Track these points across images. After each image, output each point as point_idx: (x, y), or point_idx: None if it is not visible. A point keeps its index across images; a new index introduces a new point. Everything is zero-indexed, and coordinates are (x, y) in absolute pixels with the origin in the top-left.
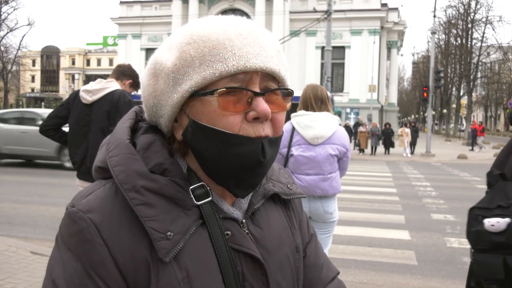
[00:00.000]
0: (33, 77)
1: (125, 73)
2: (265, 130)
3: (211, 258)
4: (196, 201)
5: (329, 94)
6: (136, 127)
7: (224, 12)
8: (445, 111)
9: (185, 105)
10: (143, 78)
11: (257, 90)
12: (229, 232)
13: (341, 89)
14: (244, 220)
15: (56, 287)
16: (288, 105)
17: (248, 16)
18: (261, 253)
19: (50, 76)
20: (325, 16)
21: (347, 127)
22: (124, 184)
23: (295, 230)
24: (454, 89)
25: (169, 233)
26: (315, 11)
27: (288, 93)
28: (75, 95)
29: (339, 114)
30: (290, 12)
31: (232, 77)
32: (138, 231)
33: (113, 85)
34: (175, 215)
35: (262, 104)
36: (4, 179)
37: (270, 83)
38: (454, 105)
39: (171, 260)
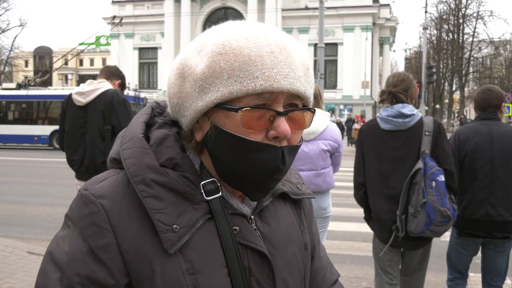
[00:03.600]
0: (26, 78)
1: (114, 73)
2: (282, 144)
3: (217, 252)
4: (206, 196)
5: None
6: (152, 122)
7: (216, 10)
8: (438, 106)
9: (209, 112)
10: (170, 74)
11: (280, 109)
12: (237, 228)
13: (334, 86)
14: (252, 216)
15: (54, 259)
16: (308, 123)
17: (240, 14)
18: (268, 249)
19: (43, 77)
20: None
21: (338, 124)
22: (135, 176)
23: (304, 228)
24: (446, 84)
25: (175, 226)
26: (306, 8)
27: (310, 111)
28: (68, 98)
29: (332, 110)
30: (282, 10)
31: (258, 95)
32: (146, 221)
33: (105, 85)
34: (183, 209)
35: (283, 125)
36: (1, 180)
37: (295, 101)
38: (446, 100)
39: (176, 252)
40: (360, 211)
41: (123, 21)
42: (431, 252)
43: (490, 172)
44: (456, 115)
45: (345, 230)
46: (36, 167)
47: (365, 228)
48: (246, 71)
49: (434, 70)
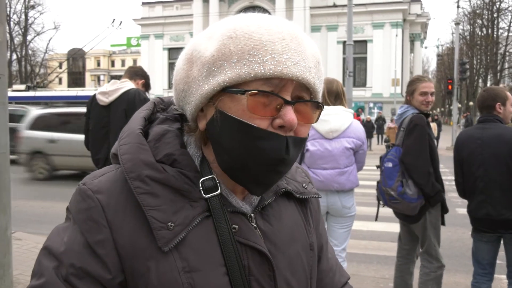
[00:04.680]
0: (60, 79)
1: (138, 73)
2: (288, 134)
3: (215, 251)
4: (205, 194)
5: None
6: (154, 118)
7: (245, 9)
8: (471, 103)
9: (214, 97)
10: (178, 61)
11: (288, 98)
12: (236, 226)
13: (363, 84)
14: (252, 215)
15: (51, 249)
16: (316, 118)
17: (268, 13)
18: (270, 248)
19: (76, 78)
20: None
21: (368, 122)
22: (130, 172)
23: (310, 228)
24: (480, 80)
25: (170, 223)
26: (335, 5)
27: (318, 107)
28: (92, 98)
29: (362, 109)
30: (311, 8)
31: (267, 80)
32: (142, 218)
33: (128, 85)
34: (180, 206)
35: (290, 114)
36: (33, 179)
37: (303, 93)
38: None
39: (171, 249)
40: (387, 211)
41: (152, 22)
42: (461, 253)
43: (484, 175)
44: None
45: (372, 230)
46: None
47: (392, 228)
48: (255, 55)
49: (467, 66)
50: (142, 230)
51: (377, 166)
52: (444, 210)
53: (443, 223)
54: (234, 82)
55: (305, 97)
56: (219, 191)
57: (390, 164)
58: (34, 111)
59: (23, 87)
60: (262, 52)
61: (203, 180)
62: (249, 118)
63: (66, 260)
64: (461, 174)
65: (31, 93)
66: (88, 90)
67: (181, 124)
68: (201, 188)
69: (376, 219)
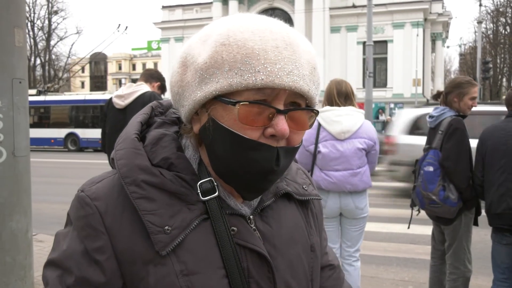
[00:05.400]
0: (82, 83)
1: (153, 76)
2: (280, 144)
3: (214, 253)
4: (202, 196)
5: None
6: (151, 121)
7: (264, 11)
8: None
9: (207, 104)
10: (174, 63)
11: (281, 107)
12: (235, 228)
13: (384, 84)
14: (251, 216)
15: (54, 258)
16: (310, 124)
17: (288, 14)
18: (269, 250)
19: (98, 82)
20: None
21: (388, 123)
22: (126, 177)
23: (311, 229)
24: (504, 79)
25: (167, 227)
26: (354, 6)
27: (313, 113)
28: (109, 102)
29: (382, 109)
30: (330, 9)
31: (259, 90)
32: (139, 222)
33: (143, 88)
34: (177, 210)
35: (282, 124)
36: (55, 181)
37: (298, 100)
38: (504, 97)
39: (169, 253)
40: (407, 212)
41: (172, 25)
42: (484, 256)
43: (506, 166)
44: None
45: (391, 231)
46: (84, 169)
47: (412, 229)
48: (248, 64)
49: (490, 65)
50: (140, 234)
51: (413, 171)
52: (478, 212)
53: (476, 224)
54: (226, 91)
55: (300, 103)
56: (216, 193)
57: (431, 168)
58: (410, 111)
59: (34, 91)
60: (254, 62)
61: (201, 183)
62: (241, 128)
63: (67, 270)
64: (481, 168)
65: (41, 98)
66: (95, 94)
67: (179, 127)
68: (199, 191)
69: (408, 227)
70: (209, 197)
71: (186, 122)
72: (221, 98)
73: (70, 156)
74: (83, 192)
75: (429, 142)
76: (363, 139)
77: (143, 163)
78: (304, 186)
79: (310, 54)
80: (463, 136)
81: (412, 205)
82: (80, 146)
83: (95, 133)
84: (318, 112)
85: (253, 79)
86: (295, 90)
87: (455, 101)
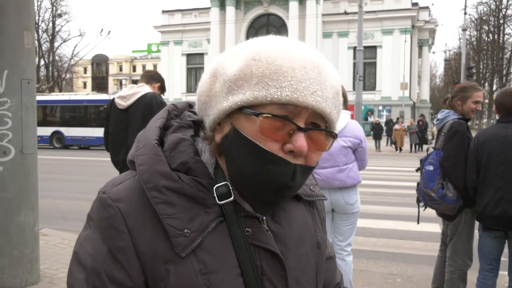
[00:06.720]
0: (84, 84)
1: (153, 77)
2: (297, 161)
3: (230, 253)
4: (219, 200)
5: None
6: (168, 124)
7: (259, 17)
8: None
9: (231, 114)
10: (204, 73)
11: (302, 124)
12: (249, 229)
13: (373, 87)
14: (264, 217)
15: (79, 260)
16: (328, 147)
17: (282, 20)
18: (281, 249)
19: (100, 82)
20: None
21: (377, 124)
22: (147, 183)
23: (317, 227)
24: (486, 84)
25: (186, 230)
26: (346, 13)
27: (332, 135)
28: (111, 102)
29: (371, 111)
30: (323, 15)
31: (282, 105)
32: (159, 225)
33: (145, 89)
34: (195, 213)
35: (301, 140)
36: (60, 177)
37: (319, 121)
38: (487, 101)
39: (188, 254)
40: (397, 209)
41: (172, 29)
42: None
43: (505, 172)
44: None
45: (381, 227)
46: (88, 166)
47: (401, 226)
48: (275, 79)
49: (473, 70)
50: (160, 236)
51: (417, 169)
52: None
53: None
54: (251, 103)
55: (320, 125)
56: (232, 197)
57: (431, 167)
58: None
59: None
60: (281, 78)
61: (217, 187)
62: (261, 140)
63: (93, 271)
64: (476, 170)
65: None
66: (80, 95)
67: (195, 130)
68: (215, 195)
69: (418, 222)
70: (225, 201)
71: (210, 131)
72: (245, 109)
73: (70, 153)
74: (105, 193)
75: (436, 143)
76: (348, 137)
77: (163, 168)
78: (311, 187)
79: (336, 79)
80: (462, 138)
81: (418, 201)
82: (65, 143)
83: (79, 132)
84: (336, 135)
85: (278, 94)
86: (317, 110)
87: (459, 104)
